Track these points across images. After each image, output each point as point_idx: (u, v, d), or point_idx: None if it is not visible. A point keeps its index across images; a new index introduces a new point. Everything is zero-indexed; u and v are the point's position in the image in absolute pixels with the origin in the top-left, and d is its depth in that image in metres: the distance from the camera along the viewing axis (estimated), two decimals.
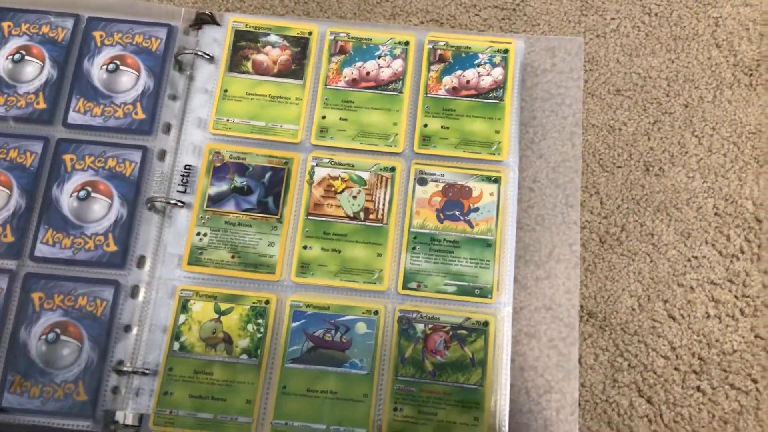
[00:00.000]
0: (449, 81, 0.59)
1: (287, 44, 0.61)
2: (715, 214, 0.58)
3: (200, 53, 0.60)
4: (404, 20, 0.65)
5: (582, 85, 0.61)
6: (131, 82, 0.60)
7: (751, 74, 0.62)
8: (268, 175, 0.58)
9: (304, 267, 0.55)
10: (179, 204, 0.57)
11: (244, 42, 0.61)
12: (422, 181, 0.57)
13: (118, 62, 0.60)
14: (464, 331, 0.53)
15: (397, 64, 0.60)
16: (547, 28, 0.64)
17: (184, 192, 0.57)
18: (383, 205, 0.57)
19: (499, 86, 0.59)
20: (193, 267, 0.55)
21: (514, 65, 0.60)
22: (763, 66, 0.62)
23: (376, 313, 0.54)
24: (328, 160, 0.58)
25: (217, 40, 0.61)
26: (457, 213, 0.56)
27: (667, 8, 0.65)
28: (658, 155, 0.60)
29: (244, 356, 0.53)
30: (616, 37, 0.64)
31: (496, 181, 0.57)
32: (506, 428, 0.52)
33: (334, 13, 0.65)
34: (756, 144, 0.60)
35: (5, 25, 0.61)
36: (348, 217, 0.56)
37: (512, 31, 0.64)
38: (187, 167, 0.58)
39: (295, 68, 0.60)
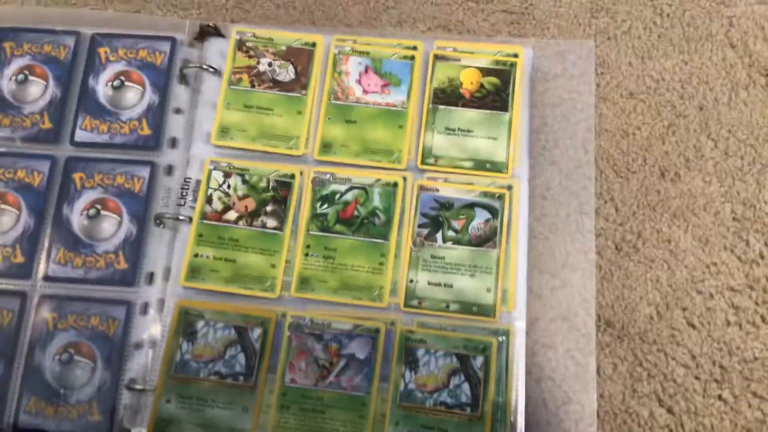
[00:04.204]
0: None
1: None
2: (734, 218, 0.57)
3: (204, 66, 0.59)
4: (411, 27, 0.64)
5: (594, 89, 0.60)
6: (136, 98, 0.59)
7: (767, 74, 0.60)
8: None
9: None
10: (187, 219, 0.56)
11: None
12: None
13: (123, 78, 0.60)
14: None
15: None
16: (557, 32, 0.63)
17: (193, 207, 0.57)
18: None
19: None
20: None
21: (524, 73, 0.58)
22: None
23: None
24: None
25: (222, 53, 0.60)
26: None
27: (679, 8, 0.63)
28: (673, 160, 0.59)
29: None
30: (628, 39, 0.62)
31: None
32: None
33: (340, 21, 0.64)
34: None
35: (7, 45, 0.61)
36: None
37: (521, 35, 0.63)
38: (187, 180, 0.57)
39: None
